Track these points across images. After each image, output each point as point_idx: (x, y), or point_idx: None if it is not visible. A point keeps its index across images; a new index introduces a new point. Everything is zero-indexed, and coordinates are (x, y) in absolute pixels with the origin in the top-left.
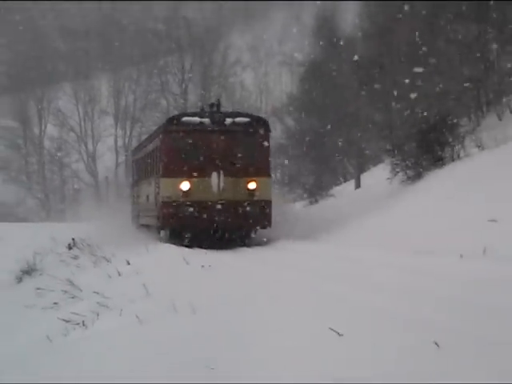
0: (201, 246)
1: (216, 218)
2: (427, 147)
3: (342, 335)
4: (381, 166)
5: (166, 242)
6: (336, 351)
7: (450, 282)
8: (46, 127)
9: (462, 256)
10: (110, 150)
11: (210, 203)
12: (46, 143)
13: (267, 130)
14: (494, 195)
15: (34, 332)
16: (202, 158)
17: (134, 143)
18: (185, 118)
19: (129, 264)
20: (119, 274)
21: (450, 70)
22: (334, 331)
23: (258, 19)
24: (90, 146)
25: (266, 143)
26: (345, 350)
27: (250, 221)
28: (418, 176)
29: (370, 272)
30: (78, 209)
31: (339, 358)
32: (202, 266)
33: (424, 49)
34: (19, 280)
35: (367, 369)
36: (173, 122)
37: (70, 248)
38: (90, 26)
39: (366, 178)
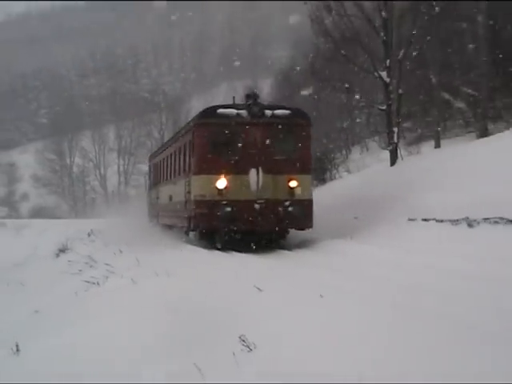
0: (233, 249)
1: (254, 219)
2: (318, 171)
3: None
4: None
5: (195, 244)
6: None
7: None
8: (74, 158)
9: None
10: (114, 173)
11: (247, 202)
12: (74, 169)
13: (309, 123)
14: (356, 201)
15: (67, 288)
16: (239, 154)
17: (131, 170)
18: (220, 110)
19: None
20: (121, 252)
21: (329, 123)
22: None
23: (210, 89)
24: (102, 171)
25: (307, 137)
26: None
27: (291, 221)
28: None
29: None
30: (94, 211)
31: None
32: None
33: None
34: (57, 255)
35: None
36: (207, 113)
37: (89, 235)
38: (102, 94)
39: None
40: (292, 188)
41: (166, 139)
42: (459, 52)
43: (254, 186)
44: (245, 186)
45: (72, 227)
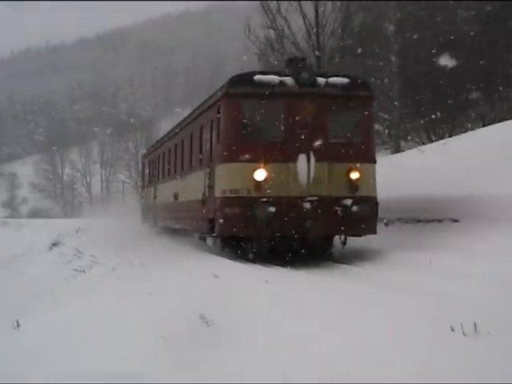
0: (266, 260)
1: (304, 223)
2: None
3: None
4: None
5: (213, 253)
6: None
7: None
8: (64, 169)
9: None
10: (98, 181)
11: (295, 200)
12: (65, 177)
13: (372, 95)
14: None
15: (58, 275)
16: (283, 135)
17: (112, 178)
18: (258, 77)
19: None
20: (103, 245)
21: None
22: None
23: (176, 113)
24: (88, 179)
25: (370, 114)
26: None
27: (353, 226)
28: None
29: None
30: (81, 212)
31: None
32: None
33: None
34: (50, 248)
35: None
36: (240, 81)
37: (76, 231)
38: (88, 117)
39: None
40: (353, 181)
41: (139, 154)
42: (377, 85)
43: (303, 179)
44: (291, 179)
45: (63, 225)
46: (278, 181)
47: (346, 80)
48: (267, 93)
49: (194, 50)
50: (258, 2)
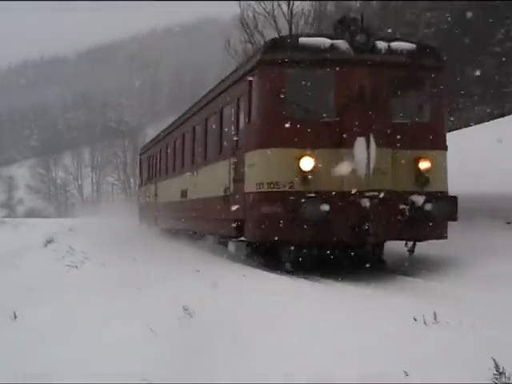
0: (305, 271)
1: (363, 224)
2: None
3: None
4: None
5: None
6: None
7: None
8: (58, 172)
9: None
10: (88, 184)
11: (351, 196)
12: (58, 180)
13: (443, 64)
14: None
15: (53, 271)
16: (335, 113)
17: (101, 181)
18: (304, 40)
19: None
20: (94, 242)
21: None
22: None
23: (161, 121)
24: (79, 182)
25: (442, 88)
26: None
27: (424, 229)
28: None
29: None
30: (73, 212)
31: None
32: None
33: None
34: (45, 245)
35: None
36: (280, 45)
37: (70, 230)
38: (79, 124)
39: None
40: (423, 172)
41: (128, 159)
42: None
43: (362, 168)
44: (346, 169)
45: (57, 224)
46: (329, 171)
47: (412, 46)
48: (316, 60)
49: (177, 62)
50: (238, 18)
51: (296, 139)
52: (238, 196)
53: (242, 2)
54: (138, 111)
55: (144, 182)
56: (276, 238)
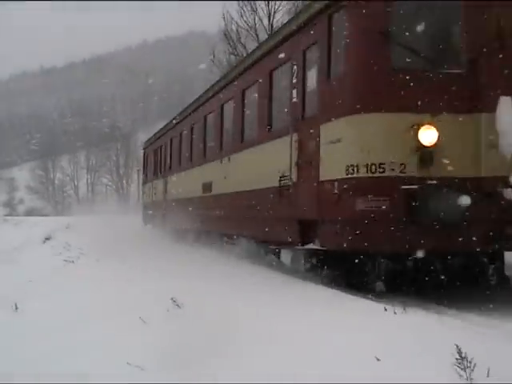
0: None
1: (509, 225)
2: None
3: None
4: None
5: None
6: None
7: None
8: (56, 174)
9: None
10: (84, 184)
11: (492, 184)
12: (56, 181)
13: None
14: None
15: (50, 265)
16: (466, 62)
17: (96, 182)
18: None
19: None
20: (89, 239)
21: None
22: None
23: (151, 126)
24: (75, 183)
25: None
26: None
27: None
28: None
29: None
30: (70, 210)
31: None
32: None
33: None
34: (44, 242)
35: None
36: None
37: (67, 227)
38: (76, 129)
39: None
40: None
41: (121, 162)
42: None
43: (508, 144)
44: (485, 144)
45: (54, 222)
46: (458, 148)
47: None
48: None
49: (167, 71)
50: (223, 31)
51: (409, 100)
52: (305, 186)
53: (226, 16)
54: (130, 117)
55: (149, 178)
56: (377, 248)
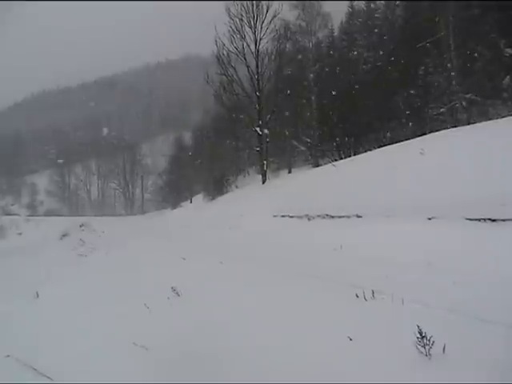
0: None
1: None
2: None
3: None
4: None
5: None
6: None
7: None
8: (71, 180)
9: None
10: (95, 189)
11: None
12: (71, 186)
13: None
14: (241, 204)
15: (66, 258)
16: None
17: (106, 187)
18: None
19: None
20: (99, 236)
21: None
22: None
23: (153, 139)
24: (88, 187)
25: None
26: None
27: None
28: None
29: None
30: (83, 211)
31: None
32: None
33: None
34: (61, 238)
35: None
36: None
37: (80, 226)
38: (87, 141)
39: None
40: None
41: (127, 169)
42: (301, 117)
43: None
44: None
45: (70, 221)
46: None
47: None
48: None
49: (167, 89)
50: (215, 55)
51: None
52: None
53: (218, 42)
54: (134, 130)
55: None
56: None
